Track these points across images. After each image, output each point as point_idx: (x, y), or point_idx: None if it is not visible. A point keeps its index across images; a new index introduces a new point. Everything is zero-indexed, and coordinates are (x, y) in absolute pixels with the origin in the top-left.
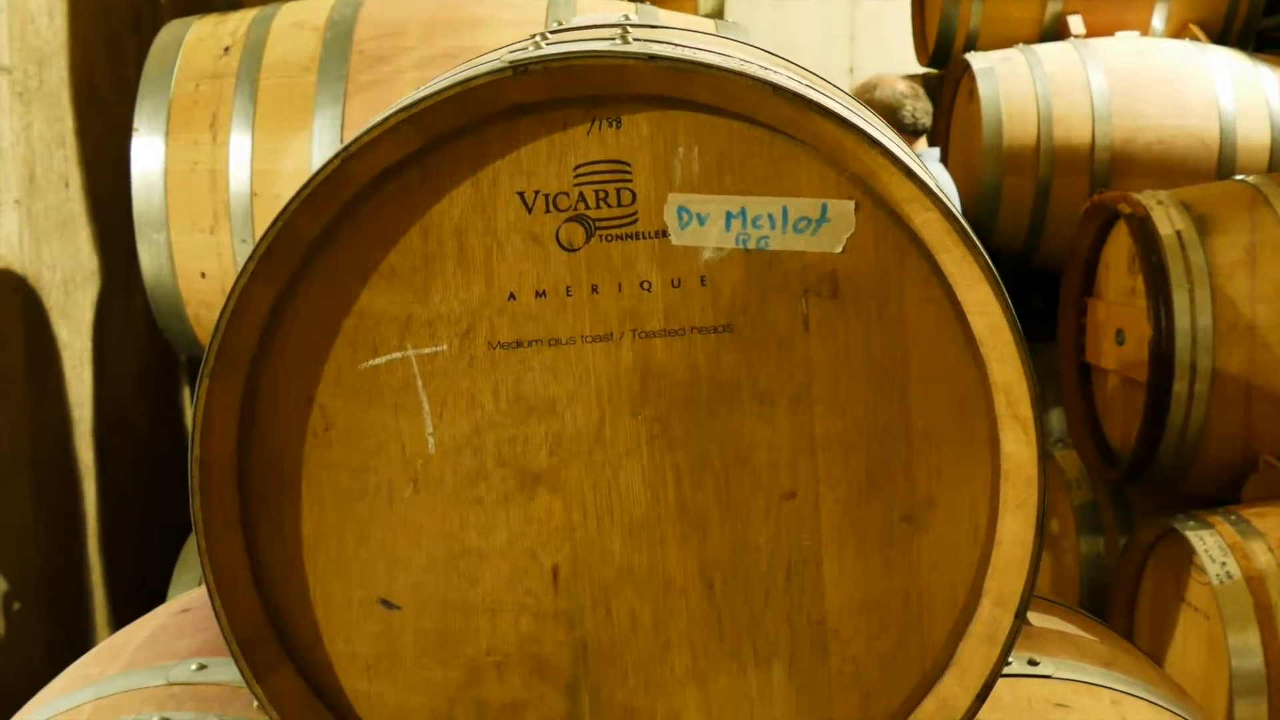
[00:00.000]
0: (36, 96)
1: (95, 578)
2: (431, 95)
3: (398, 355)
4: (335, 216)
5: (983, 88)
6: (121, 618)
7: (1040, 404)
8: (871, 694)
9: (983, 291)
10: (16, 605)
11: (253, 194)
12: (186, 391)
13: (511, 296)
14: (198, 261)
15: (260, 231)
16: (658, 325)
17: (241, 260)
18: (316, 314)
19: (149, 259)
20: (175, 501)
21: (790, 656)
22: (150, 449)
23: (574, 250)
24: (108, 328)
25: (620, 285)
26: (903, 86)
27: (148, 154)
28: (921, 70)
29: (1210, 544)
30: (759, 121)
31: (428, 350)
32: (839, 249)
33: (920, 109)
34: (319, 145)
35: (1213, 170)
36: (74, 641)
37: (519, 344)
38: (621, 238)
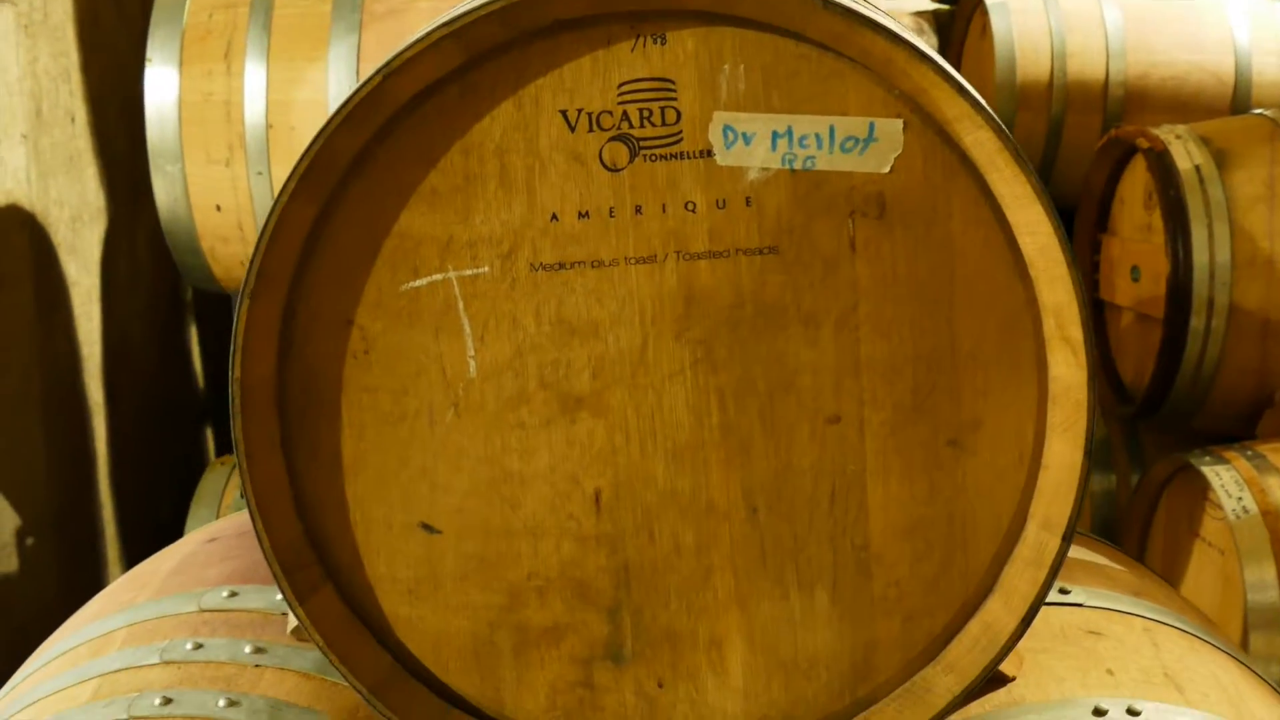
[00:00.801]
0: (42, 30)
1: (106, 514)
2: (474, 9)
3: (438, 277)
4: (374, 135)
5: (996, 23)
6: (133, 554)
7: (1091, 327)
8: (915, 617)
9: (1034, 212)
10: (30, 541)
11: (268, 125)
12: (194, 329)
13: (554, 217)
14: (213, 194)
15: (275, 163)
16: (702, 247)
17: (258, 193)
18: (356, 235)
19: (164, 192)
20: (184, 439)
21: (833, 581)
22: (159, 386)
23: (617, 170)
24: (115, 264)
25: (664, 206)
26: (909, 21)
27: (161, 85)
28: (932, 6)
29: (1226, 479)
30: (806, 38)
31: (469, 272)
32: (887, 169)
33: (927, 45)
34: (334, 76)
35: (1227, 106)
36: (87, 577)
37: (561, 266)
38: (666, 158)
